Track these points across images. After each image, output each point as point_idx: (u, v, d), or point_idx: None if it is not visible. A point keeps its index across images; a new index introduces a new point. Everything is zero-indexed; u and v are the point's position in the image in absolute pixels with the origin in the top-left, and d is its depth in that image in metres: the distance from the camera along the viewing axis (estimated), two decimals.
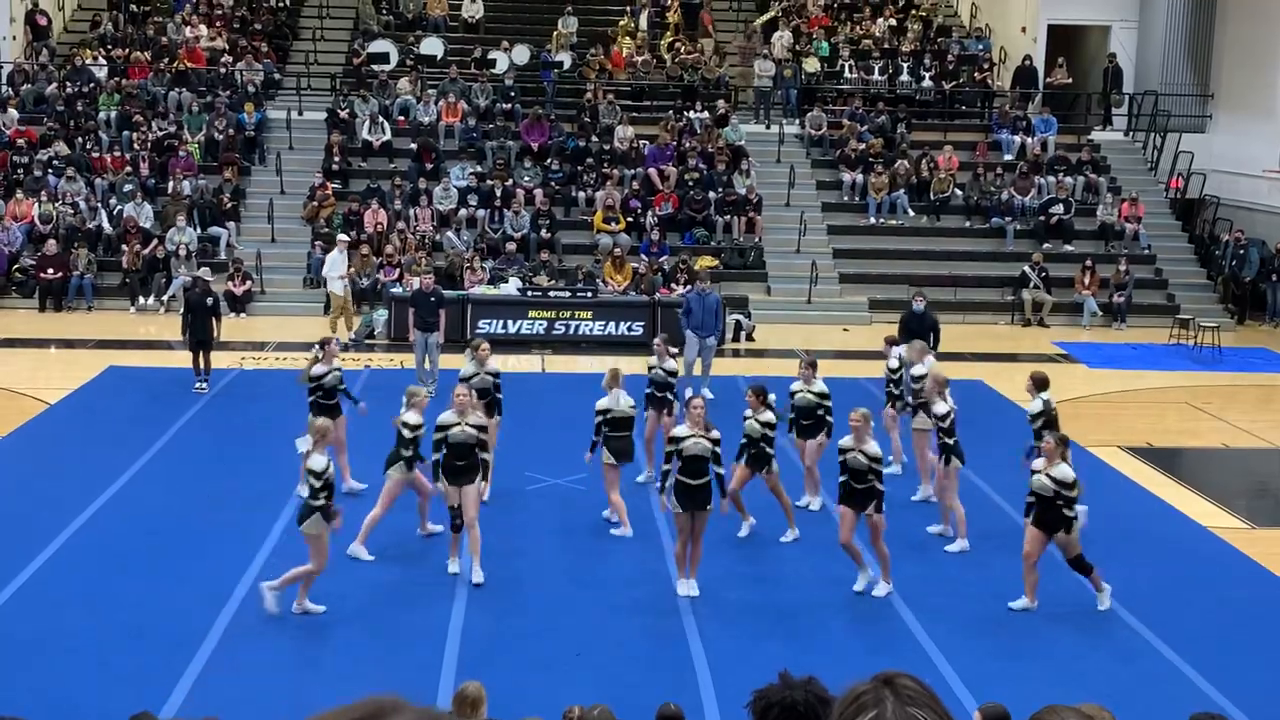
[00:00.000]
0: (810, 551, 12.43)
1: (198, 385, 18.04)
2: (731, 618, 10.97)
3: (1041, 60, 30.59)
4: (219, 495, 13.71)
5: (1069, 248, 26.60)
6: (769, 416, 12.64)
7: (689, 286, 20.87)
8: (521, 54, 30.11)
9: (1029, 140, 28.64)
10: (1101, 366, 21.74)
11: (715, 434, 11.24)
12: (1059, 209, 26.94)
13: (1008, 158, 28.50)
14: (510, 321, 21.71)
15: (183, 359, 20.65)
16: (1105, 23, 30.97)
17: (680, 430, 11.36)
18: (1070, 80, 30.36)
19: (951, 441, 12.64)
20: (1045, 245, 26.38)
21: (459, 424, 11.66)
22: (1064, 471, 10.78)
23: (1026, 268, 25.38)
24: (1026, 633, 10.91)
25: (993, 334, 24.31)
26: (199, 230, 25.07)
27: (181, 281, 23.91)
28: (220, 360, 20.00)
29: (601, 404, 12.92)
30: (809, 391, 13.47)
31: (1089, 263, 25.43)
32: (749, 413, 12.64)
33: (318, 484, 10.61)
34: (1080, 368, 21.76)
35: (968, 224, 27.40)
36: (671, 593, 11.39)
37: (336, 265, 21.84)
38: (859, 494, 11.24)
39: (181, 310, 18.60)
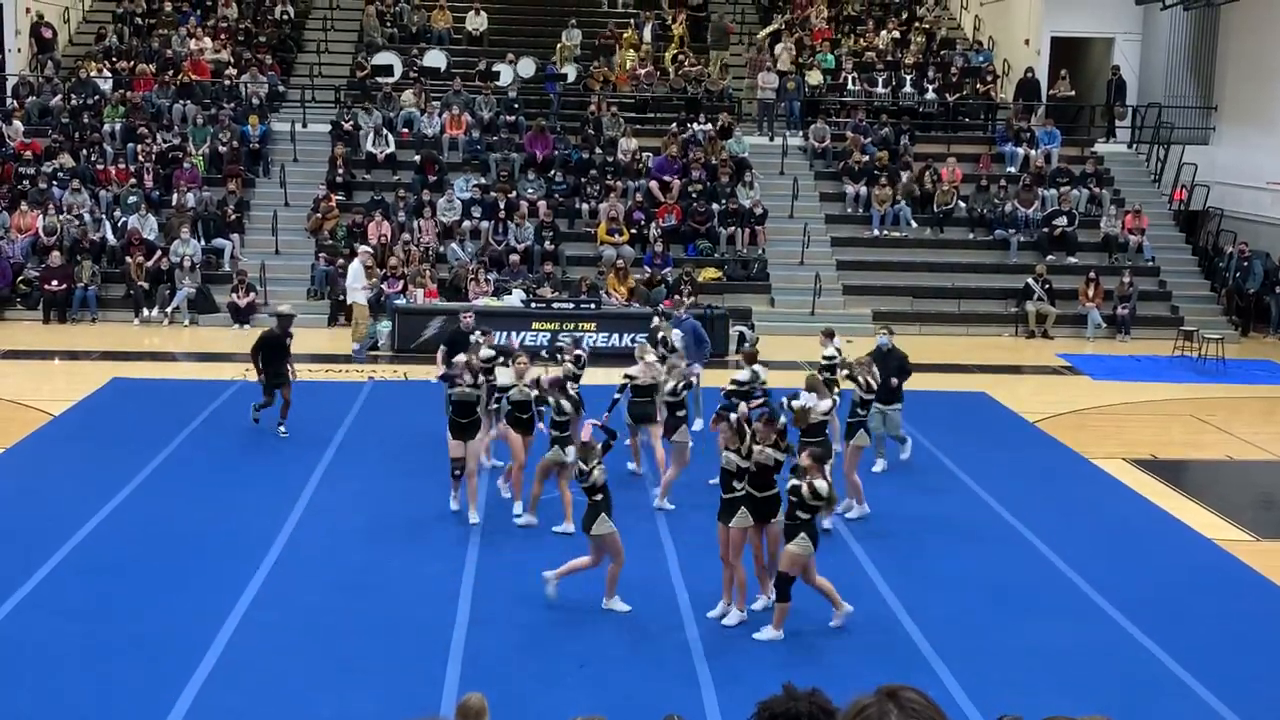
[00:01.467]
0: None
1: (254, 415, 16.54)
2: (735, 628, 10.95)
3: (1045, 72, 30.63)
4: (222, 507, 13.71)
5: (1072, 260, 26.60)
6: (831, 351, 15.46)
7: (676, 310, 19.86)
8: (527, 66, 30.19)
9: (1032, 152, 28.66)
10: (1105, 378, 21.72)
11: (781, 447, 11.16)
12: (1062, 221, 26.96)
13: (1011, 170, 28.52)
14: (514, 333, 21.71)
15: (186, 371, 20.71)
16: (1108, 35, 31.01)
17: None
18: (1073, 92, 30.39)
19: (862, 415, 13.79)
20: (1049, 257, 26.39)
21: (460, 386, 13.31)
22: (820, 485, 10.65)
23: (1030, 280, 25.38)
24: (1029, 643, 10.88)
25: (996, 346, 24.31)
26: (203, 242, 25.12)
27: (185, 293, 23.96)
28: (224, 372, 20.06)
29: (631, 370, 14.76)
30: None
31: (1093, 275, 25.43)
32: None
33: (596, 483, 11.00)
34: (1084, 379, 21.75)
35: (971, 236, 27.42)
36: (676, 604, 11.37)
37: (359, 276, 21.94)
38: (727, 504, 11.02)
39: (254, 346, 16.49)
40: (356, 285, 21.95)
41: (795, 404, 13.27)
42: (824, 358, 15.63)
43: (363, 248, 23.11)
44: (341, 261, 24.40)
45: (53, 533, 12.69)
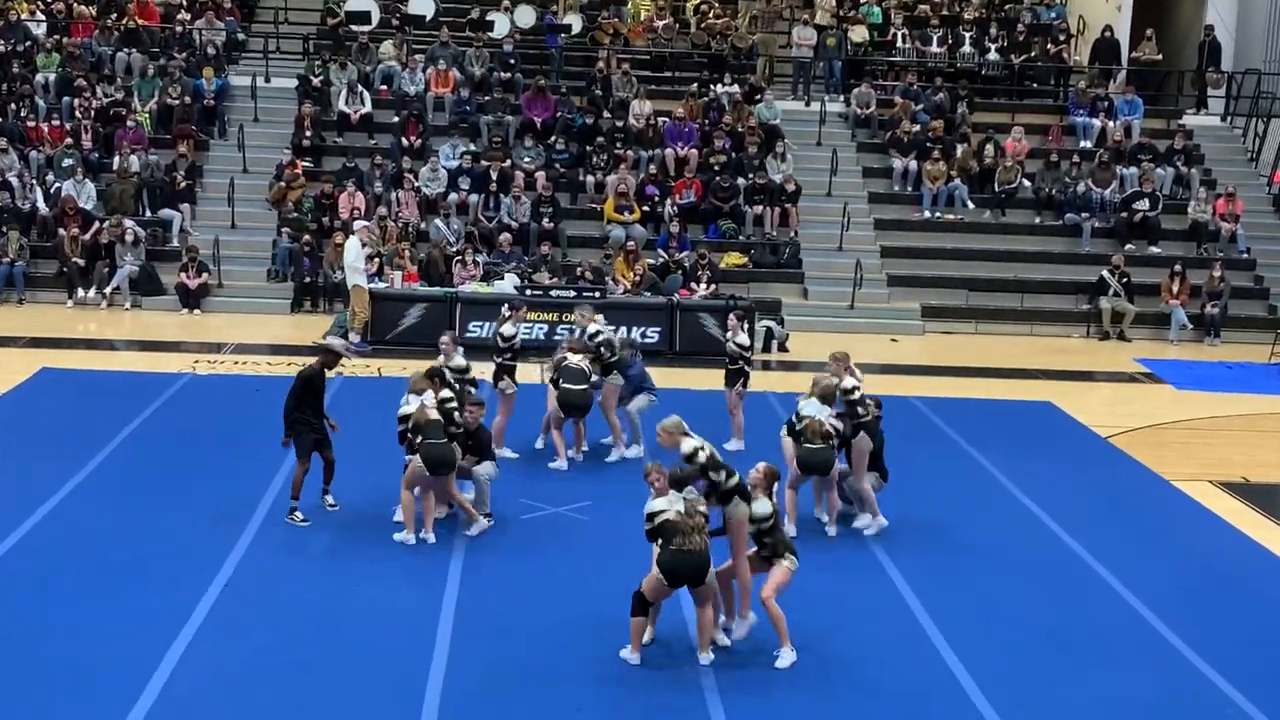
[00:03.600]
0: (825, 572, 12.41)
1: (297, 517, 13.77)
2: (747, 647, 10.95)
3: (1126, 32, 30.61)
4: (166, 518, 13.70)
5: (1155, 250, 26.58)
6: (744, 339, 16.70)
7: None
8: (525, 15, 30.19)
9: (1110, 124, 28.63)
10: (1190, 388, 21.71)
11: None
12: (1144, 204, 26.93)
13: (1085, 144, 28.51)
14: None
15: (126, 361, 20.74)
16: None
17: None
18: (1160, 56, 30.36)
19: (863, 417, 13.96)
20: (1127, 246, 26.37)
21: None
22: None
23: (1105, 272, 25.36)
24: (1099, 696, 10.85)
25: (1065, 349, 24.30)
26: (149, 213, 25.15)
27: (127, 271, 24.00)
28: (171, 363, 20.09)
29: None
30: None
31: (1178, 267, 25.41)
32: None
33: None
34: (1166, 389, 21.73)
35: (1038, 220, 27.40)
36: (682, 633, 11.35)
37: (359, 255, 21.90)
38: None
39: (292, 391, 13.98)
40: (357, 265, 21.94)
41: (805, 413, 13.54)
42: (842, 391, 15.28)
43: (360, 222, 23.15)
44: (308, 238, 24.42)
45: None
